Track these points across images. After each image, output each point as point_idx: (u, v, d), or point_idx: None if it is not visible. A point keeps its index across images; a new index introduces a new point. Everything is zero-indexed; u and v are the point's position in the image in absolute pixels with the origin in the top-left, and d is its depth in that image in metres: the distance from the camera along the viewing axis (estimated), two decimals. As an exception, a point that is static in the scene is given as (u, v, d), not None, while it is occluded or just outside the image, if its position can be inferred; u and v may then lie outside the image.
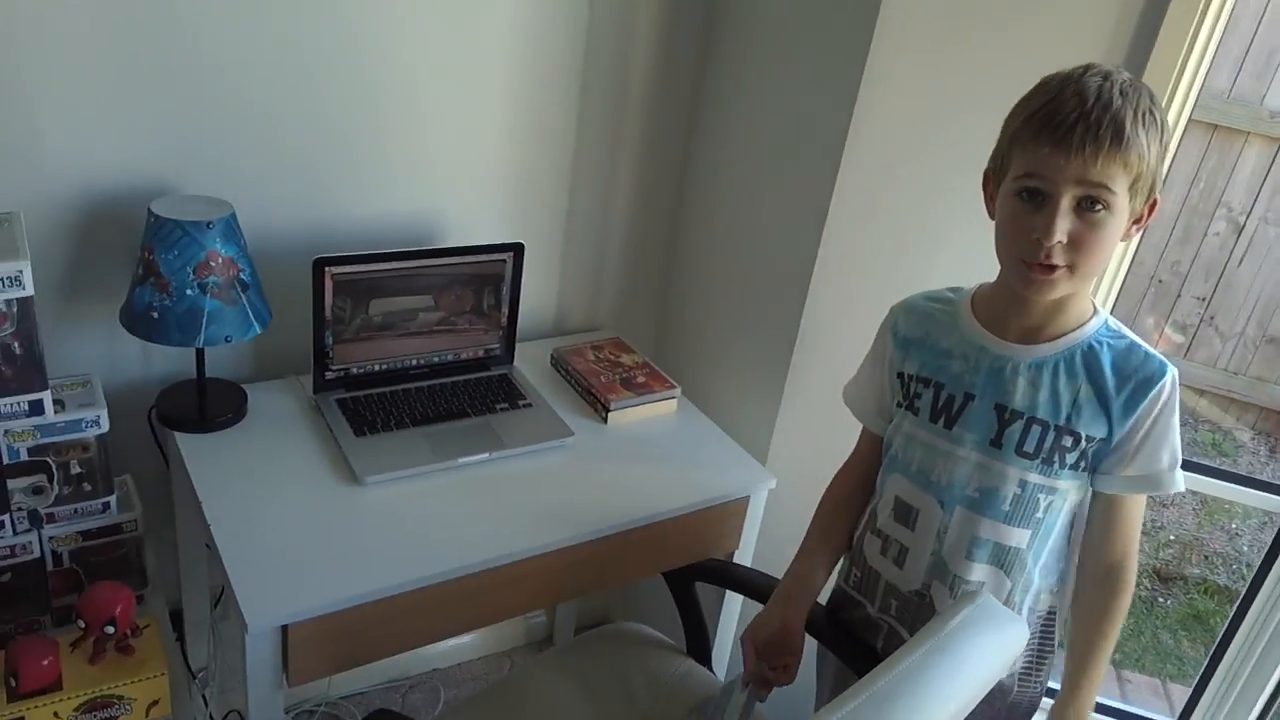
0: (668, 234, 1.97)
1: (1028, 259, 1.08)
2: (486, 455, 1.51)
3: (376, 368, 1.62)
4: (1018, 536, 1.20)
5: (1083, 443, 1.15)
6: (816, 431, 1.64)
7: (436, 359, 1.68)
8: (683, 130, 1.88)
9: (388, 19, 1.52)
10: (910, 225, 1.58)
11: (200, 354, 1.51)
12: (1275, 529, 1.82)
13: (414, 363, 1.66)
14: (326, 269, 1.50)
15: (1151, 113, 1.04)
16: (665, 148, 1.89)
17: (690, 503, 1.53)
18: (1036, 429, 1.15)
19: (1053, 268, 1.07)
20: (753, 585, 1.58)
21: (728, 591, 1.68)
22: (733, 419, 1.78)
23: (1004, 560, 1.21)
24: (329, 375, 1.58)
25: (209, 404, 1.52)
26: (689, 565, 1.61)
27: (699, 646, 1.67)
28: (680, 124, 1.88)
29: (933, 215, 1.56)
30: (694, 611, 1.66)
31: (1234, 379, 3.89)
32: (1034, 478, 1.17)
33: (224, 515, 1.33)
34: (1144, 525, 3.39)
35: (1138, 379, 1.13)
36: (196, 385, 1.52)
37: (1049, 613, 1.27)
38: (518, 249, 1.67)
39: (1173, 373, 1.14)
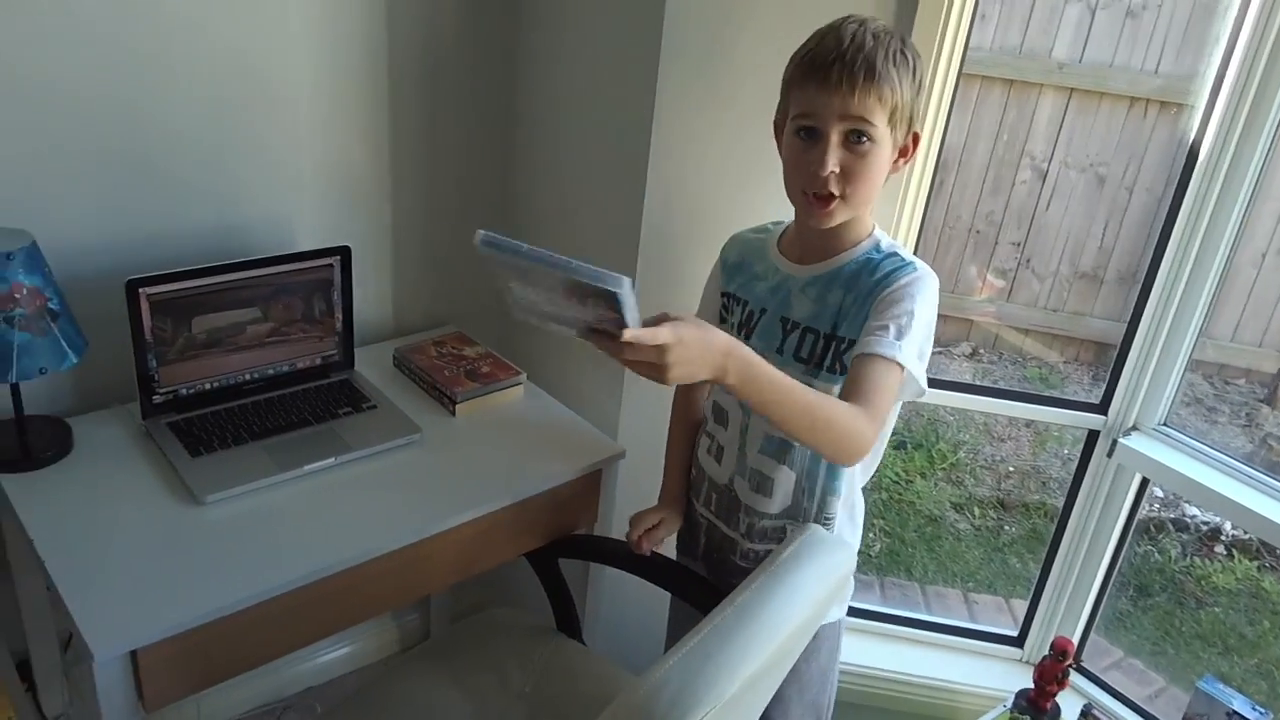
0: (498, 222, 1.99)
1: (808, 190, 1.21)
2: (332, 460, 1.50)
3: (207, 386, 1.59)
4: None
5: (845, 345, 1.26)
6: (663, 397, 1.69)
7: (271, 371, 1.65)
8: (501, 118, 1.91)
9: (184, 26, 1.48)
10: (720, 194, 1.65)
11: (15, 390, 1.44)
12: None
13: (247, 377, 1.63)
14: (140, 290, 1.46)
15: (902, 52, 1.17)
16: (485, 137, 1.90)
17: (543, 482, 1.56)
18: (810, 337, 1.29)
19: (830, 197, 1.19)
20: (614, 554, 1.63)
21: (592, 564, 1.72)
22: (581, 398, 1.82)
23: (788, 457, 1.34)
24: (157, 399, 1.54)
25: (30, 441, 1.45)
26: (548, 543, 1.64)
27: (569, 622, 1.70)
28: (498, 112, 1.90)
29: (739, 180, 1.63)
30: (560, 588, 1.69)
31: (1054, 316, 4.16)
32: (807, 379, 1.28)
33: (60, 553, 1.28)
34: (986, 461, 3.58)
35: (887, 275, 1.24)
36: (15, 423, 1.45)
37: (822, 513, 1.37)
38: (344, 252, 1.66)
39: (920, 270, 1.23)
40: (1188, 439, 1.87)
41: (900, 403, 1.30)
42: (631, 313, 0.96)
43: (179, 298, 1.50)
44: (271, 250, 1.68)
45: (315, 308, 1.66)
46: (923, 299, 1.22)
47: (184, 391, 1.56)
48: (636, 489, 1.74)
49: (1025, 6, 3.84)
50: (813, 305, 1.29)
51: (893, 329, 1.19)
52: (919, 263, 1.25)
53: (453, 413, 1.68)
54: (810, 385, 1.24)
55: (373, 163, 1.78)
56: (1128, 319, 1.86)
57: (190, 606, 1.22)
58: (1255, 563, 3.10)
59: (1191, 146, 1.71)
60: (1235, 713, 1.58)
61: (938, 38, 1.51)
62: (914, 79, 1.18)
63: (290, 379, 1.67)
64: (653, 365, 1.01)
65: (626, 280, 0.92)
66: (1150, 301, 1.81)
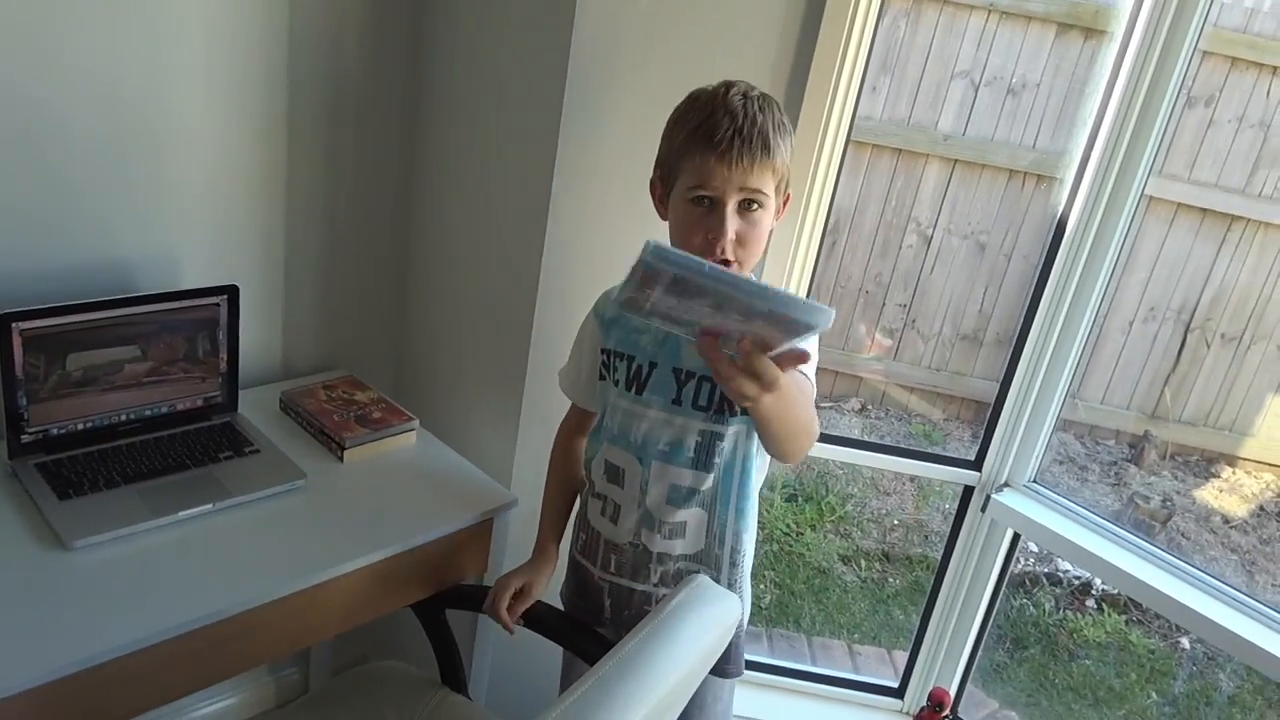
0: (397, 266, 1.98)
1: (705, 255, 1.21)
2: (210, 506, 1.45)
3: (80, 426, 1.52)
4: (705, 479, 1.34)
5: None
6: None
7: (149, 412, 1.59)
8: (402, 161, 1.91)
9: (71, 62, 1.45)
10: (619, 245, 1.68)
11: None
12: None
13: (124, 417, 1.57)
14: (13, 324, 1.40)
15: (784, 123, 1.25)
16: (385, 178, 1.90)
17: (431, 531, 1.54)
18: (707, 385, 1.31)
19: (727, 262, 1.23)
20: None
21: (480, 616, 1.70)
22: (474, 445, 1.81)
23: (699, 501, 1.35)
24: (25, 439, 1.47)
25: (-122, 482, 1.37)
26: (435, 594, 1.62)
27: (454, 675, 1.67)
28: (398, 155, 1.90)
29: (639, 227, 1.66)
30: (446, 640, 1.66)
31: (937, 375, 4.33)
32: (709, 426, 1.32)
33: (-98, 602, 1.20)
34: (873, 514, 3.66)
35: None
36: None
37: (734, 550, 1.39)
38: (231, 291, 1.63)
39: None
40: (1057, 496, 1.96)
41: None
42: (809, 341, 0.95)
43: (54, 333, 1.44)
44: (157, 287, 1.63)
45: (199, 347, 1.62)
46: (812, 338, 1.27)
47: (55, 431, 1.50)
48: (529, 539, 1.74)
49: (913, 81, 4.03)
50: None
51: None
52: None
53: (340, 459, 1.65)
54: (717, 431, 1.31)
55: (266, 201, 1.76)
56: (1000, 379, 1.95)
57: (52, 658, 1.16)
58: (1123, 617, 3.25)
59: (1061, 218, 1.82)
60: None
61: (827, 105, 1.58)
62: (791, 143, 1.26)
63: (169, 420, 1.62)
64: (758, 377, 0.97)
65: (833, 313, 0.90)
66: (1021, 363, 1.90)
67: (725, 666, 1.42)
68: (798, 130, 1.62)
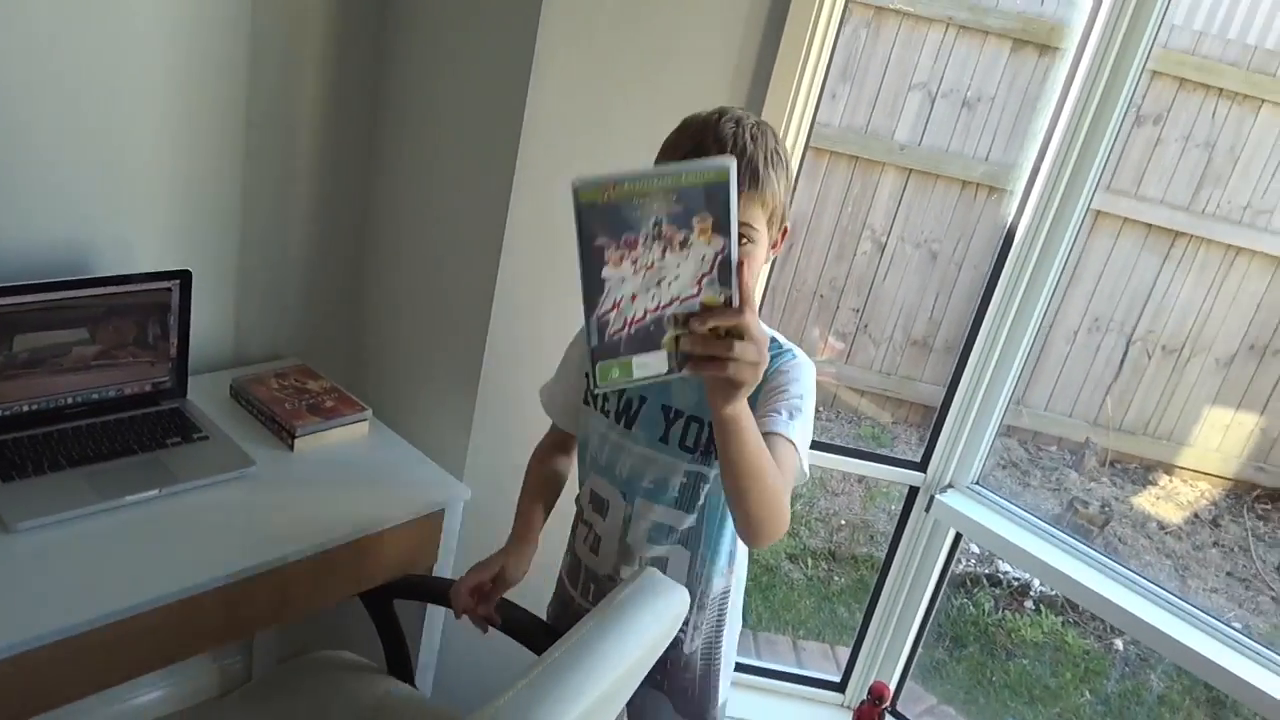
0: (352, 256, 1.97)
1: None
2: (156, 492, 1.44)
3: (25, 408, 1.50)
4: (687, 520, 1.30)
5: None
6: (513, 440, 1.70)
7: (96, 396, 1.57)
8: (362, 147, 1.90)
9: (29, 32, 1.42)
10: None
11: None
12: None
13: (69, 400, 1.55)
14: (-43, 303, 1.38)
15: (777, 152, 1.17)
16: (343, 168, 1.89)
17: (381, 521, 1.54)
18: (695, 425, 1.26)
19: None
20: (450, 595, 1.62)
21: (428, 606, 1.70)
22: (428, 437, 1.81)
23: (680, 541, 1.32)
24: (-33, 419, 1.44)
25: None
26: (384, 584, 1.61)
27: (401, 665, 1.67)
28: (358, 146, 1.89)
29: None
30: (393, 630, 1.66)
31: (888, 379, 4.40)
32: (695, 467, 1.28)
33: None
34: (820, 514, 3.70)
35: (770, 361, 1.22)
36: None
37: (723, 593, 1.38)
38: (184, 276, 1.61)
39: (800, 358, 1.24)
40: (998, 498, 2.01)
41: None
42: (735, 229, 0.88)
43: (1, 313, 1.42)
44: (110, 270, 1.61)
45: (149, 332, 1.60)
46: (806, 384, 1.23)
47: (0, 413, 1.47)
48: (482, 533, 1.74)
49: (871, 90, 4.09)
50: (696, 393, 1.25)
51: (785, 411, 1.19)
52: (797, 350, 1.25)
53: (291, 447, 1.64)
54: (702, 473, 1.27)
55: (222, 187, 1.74)
56: (947, 384, 2.00)
57: (-11, 640, 1.14)
58: (1060, 618, 3.33)
59: (1009, 229, 1.87)
60: None
61: (787, 110, 1.60)
62: (788, 177, 1.19)
63: (117, 405, 1.60)
64: (727, 348, 0.91)
65: (732, 157, 0.86)
66: (967, 369, 1.95)
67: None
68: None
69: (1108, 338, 4.03)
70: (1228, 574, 3.56)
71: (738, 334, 0.92)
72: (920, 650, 2.16)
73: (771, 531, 1.12)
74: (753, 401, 1.17)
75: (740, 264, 0.91)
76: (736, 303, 0.91)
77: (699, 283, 0.90)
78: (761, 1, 1.57)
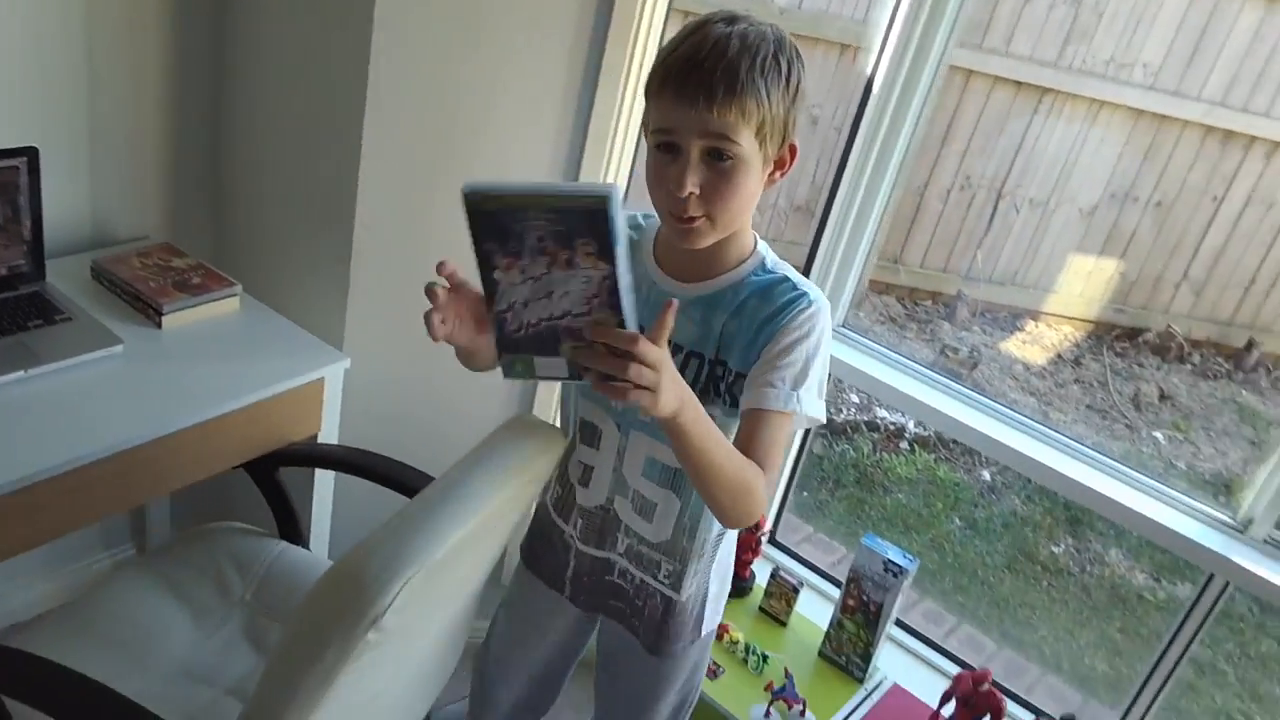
0: (211, 129, 1.91)
1: (672, 211, 1.09)
2: (22, 373, 1.43)
3: None
4: None
5: (730, 375, 1.17)
6: (390, 307, 1.72)
7: (-52, 281, 1.54)
8: (215, 25, 1.82)
9: None
10: (449, 113, 1.68)
11: None
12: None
13: (-81, 287, 1.51)
14: None
15: (776, 58, 1.04)
16: (194, 31, 1.80)
17: (259, 391, 1.56)
18: (695, 362, 1.18)
19: (693, 218, 1.07)
20: (334, 459, 1.67)
21: (316, 472, 1.75)
22: (303, 310, 1.81)
23: (673, 481, 1.24)
24: None
25: None
26: (267, 453, 1.65)
27: (293, 530, 1.72)
28: (210, 16, 1.81)
29: (480, 117, 1.67)
30: (281, 498, 1.71)
31: (774, 245, 4.49)
32: None
33: None
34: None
35: (778, 306, 1.14)
36: None
37: (718, 535, 1.30)
38: (30, 153, 1.56)
39: (817, 303, 1.14)
40: (871, 344, 2.07)
41: None
42: (623, 260, 0.85)
43: None
44: (-58, 150, 1.54)
45: (-2, 214, 1.56)
46: (820, 337, 1.14)
47: None
48: (366, 401, 1.78)
49: None
50: (696, 328, 1.17)
51: (789, 378, 1.11)
52: (813, 291, 1.15)
53: (159, 325, 1.64)
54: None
55: (66, 59, 1.66)
56: (811, 239, 2.07)
57: None
58: (932, 455, 3.56)
59: (867, 85, 1.92)
60: (890, 561, 1.84)
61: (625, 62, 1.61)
62: (788, 87, 1.06)
63: (-29, 290, 1.56)
64: (622, 368, 0.87)
65: (616, 186, 0.83)
66: (829, 221, 2.02)
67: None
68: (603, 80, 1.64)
69: (979, 194, 4.18)
70: (1087, 407, 3.84)
71: (631, 358, 0.88)
72: (805, 493, 2.27)
73: (738, 517, 1.10)
74: (753, 349, 1.13)
75: (668, 304, 0.89)
76: (632, 327, 0.88)
77: (589, 303, 0.88)
78: None
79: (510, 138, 1.72)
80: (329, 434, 1.74)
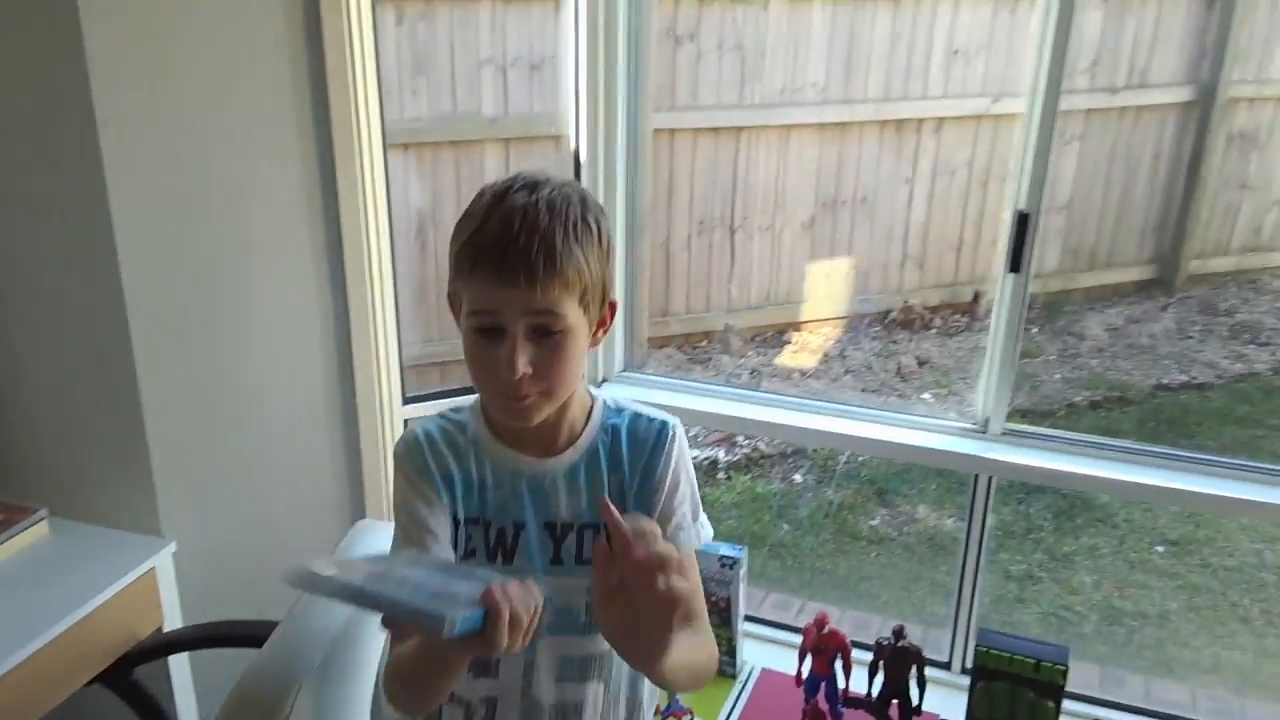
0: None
1: (503, 392, 1.04)
2: None
3: None
4: (599, 643, 1.14)
5: None
6: (200, 476, 1.77)
7: None
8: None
9: None
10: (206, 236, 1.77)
11: None
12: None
13: None
14: None
15: (584, 220, 1.01)
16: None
17: (84, 606, 1.58)
18: (589, 533, 1.12)
19: (526, 396, 1.03)
20: (183, 641, 1.70)
21: (169, 660, 1.75)
22: (115, 507, 1.80)
23: (596, 671, 1.16)
24: None
25: None
26: (117, 660, 1.65)
27: (163, 725, 1.72)
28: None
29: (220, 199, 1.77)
30: (143, 698, 1.71)
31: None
32: None
33: None
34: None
35: (648, 447, 1.14)
36: None
37: (650, 695, 1.24)
38: None
39: (674, 426, 1.15)
40: (659, 378, 2.30)
41: None
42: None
43: None
44: None
45: None
46: (685, 455, 1.16)
47: None
48: (203, 580, 1.80)
49: (446, 76, 4.28)
50: (580, 498, 1.12)
51: (689, 513, 1.14)
52: (663, 415, 1.16)
53: (-31, 570, 1.62)
54: (590, 587, 1.03)
55: None
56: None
57: None
58: (748, 476, 3.84)
59: (575, 162, 2.17)
60: (724, 556, 1.99)
61: (353, 114, 1.76)
62: (601, 246, 1.04)
63: None
64: (667, 602, 0.86)
65: (455, 620, 0.79)
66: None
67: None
68: (333, 145, 1.78)
69: (715, 234, 4.57)
70: (863, 390, 4.24)
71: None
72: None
73: (697, 687, 1.11)
74: (643, 500, 1.12)
75: (604, 507, 0.90)
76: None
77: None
78: (293, 20, 1.70)
79: (266, 257, 1.83)
80: (174, 618, 1.76)
